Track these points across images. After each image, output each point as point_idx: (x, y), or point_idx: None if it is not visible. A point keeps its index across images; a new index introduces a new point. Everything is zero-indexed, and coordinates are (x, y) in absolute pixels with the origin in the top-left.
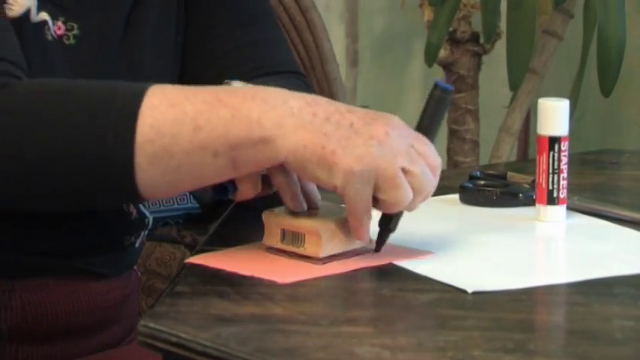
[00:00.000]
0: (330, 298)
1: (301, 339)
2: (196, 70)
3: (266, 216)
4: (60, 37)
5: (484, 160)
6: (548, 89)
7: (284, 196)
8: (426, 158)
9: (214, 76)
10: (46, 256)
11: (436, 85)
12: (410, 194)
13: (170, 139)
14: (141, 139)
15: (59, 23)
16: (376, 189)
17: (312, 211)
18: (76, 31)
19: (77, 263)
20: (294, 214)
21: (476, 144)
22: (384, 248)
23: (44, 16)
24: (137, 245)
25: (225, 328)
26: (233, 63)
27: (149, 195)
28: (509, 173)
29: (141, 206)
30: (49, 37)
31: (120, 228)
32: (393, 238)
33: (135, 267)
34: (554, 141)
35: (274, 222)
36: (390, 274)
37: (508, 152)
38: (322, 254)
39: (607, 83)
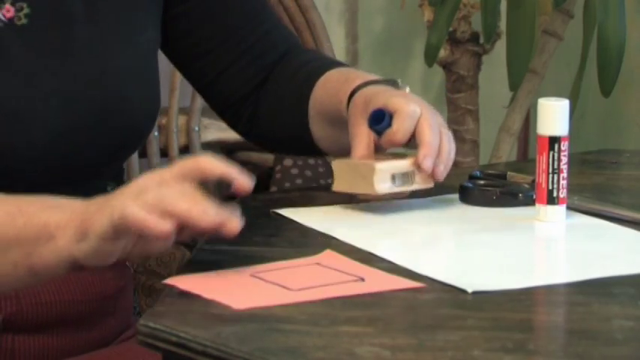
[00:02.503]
0: (330, 298)
1: (301, 339)
2: (220, 63)
3: (374, 167)
4: (10, 19)
5: (484, 160)
6: (548, 89)
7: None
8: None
9: (244, 67)
10: None
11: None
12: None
13: None
14: None
15: (7, 6)
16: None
17: (380, 157)
18: (26, 10)
19: None
20: (382, 159)
21: (476, 144)
22: (373, 276)
23: None
24: None
25: (225, 327)
26: (262, 50)
27: None
28: (509, 173)
29: None
30: None
31: None
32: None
33: (128, 263)
34: (554, 141)
35: (384, 169)
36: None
37: (508, 152)
38: (432, 183)
39: (607, 83)
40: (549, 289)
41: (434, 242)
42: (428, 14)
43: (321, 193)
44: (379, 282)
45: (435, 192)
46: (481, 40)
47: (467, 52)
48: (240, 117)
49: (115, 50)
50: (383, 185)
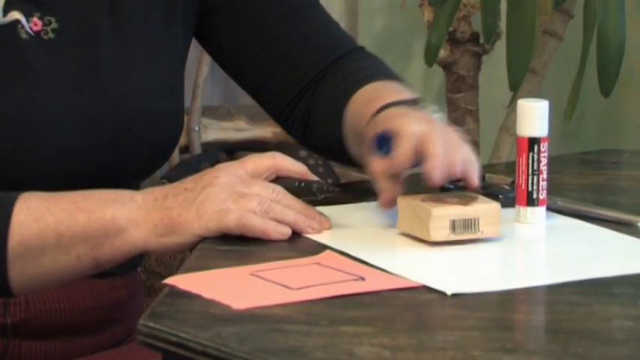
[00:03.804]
0: (330, 298)
1: (301, 339)
2: (266, 68)
3: (430, 212)
4: (37, 32)
5: (484, 160)
6: (548, 89)
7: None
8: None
9: (289, 68)
10: None
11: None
12: (253, 216)
13: (37, 252)
14: (12, 256)
15: (35, 19)
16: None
17: (445, 199)
18: (54, 25)
19: None
20: (448, 202)
21: (476, 144)
22: (373, 276)
23: (15, 15)
24: None
25: (225, 327)
26: (305, 52)
27: (21, 294)
28: (487, 175)
29: None
30: (24, 36)
31: None
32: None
33: (139, 269)
34: (533, 142)
35: (441, 216)
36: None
37: (508, 152)
38: (500, 232)
39: (607, 83)
40: (549, 289)
41: (412, 243)
42: (428, 14)
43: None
44: (379, 281)
45: (416, 193)
46: (481, 40)
47: (467, 52)
48: (292, 123)
49: (141, 71)
50: (440, 232)
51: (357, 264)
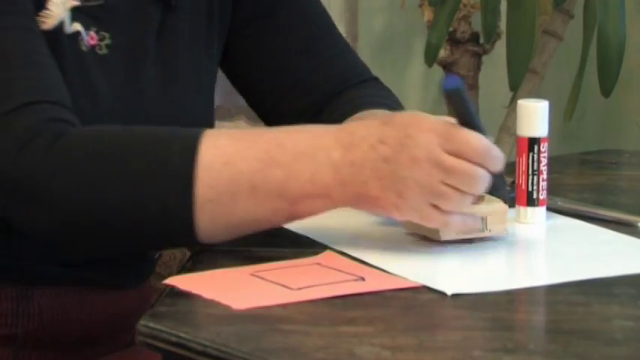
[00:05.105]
0: (330, 298)
1: (301, 339)
2: (279, 91)
3: None
4: (92, 47)
5: None
6: (548, 89)
7: None
8: (459, 169)
9: (303, 94)
10: (68, 266)
11: (444, 90)
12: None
13: (229, 199)
14: (200, 200)
15: (92, 33)
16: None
17: None
18: (107, 41)
19: (98, 275)
20: None
21: None
22: (373, 276)
23: (77, 26)
24: (156, 257)
25: (225, 327)
26: (322, 78)
27: (208, 242)
28: None
29: None
30: (84, 48)
31: None
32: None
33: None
34: (533, 142)
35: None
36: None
37: (508, 152)
38: (507, 230)
39: (607, 83)
40: (549, 289)
41: (413, 244)
42: (428, 14)
43: None
44: (379, 281)
45: None
46: (481, 40)
47: (467, 52)
48: None
49: (181, 92)
50: (449, 232)
51: (357, 264)
